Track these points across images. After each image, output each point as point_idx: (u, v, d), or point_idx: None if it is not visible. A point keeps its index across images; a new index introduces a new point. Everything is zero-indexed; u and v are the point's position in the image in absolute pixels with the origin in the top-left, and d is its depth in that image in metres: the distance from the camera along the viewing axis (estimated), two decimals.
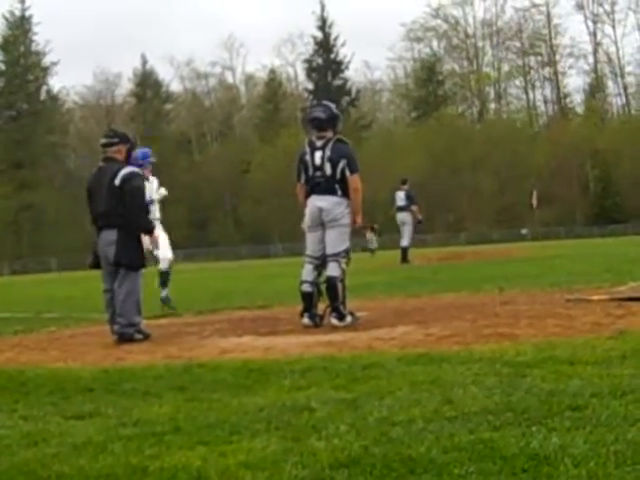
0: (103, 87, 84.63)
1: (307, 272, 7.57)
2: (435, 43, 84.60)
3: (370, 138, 76.13)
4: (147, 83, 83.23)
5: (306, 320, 7.41)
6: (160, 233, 10.69)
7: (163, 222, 11.31)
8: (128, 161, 7.56)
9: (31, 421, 4.00)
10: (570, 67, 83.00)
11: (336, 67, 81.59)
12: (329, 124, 7.61)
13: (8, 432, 3.77)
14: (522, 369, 4.40)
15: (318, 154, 7.53)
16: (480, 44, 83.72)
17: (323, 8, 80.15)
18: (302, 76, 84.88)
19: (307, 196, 7.64)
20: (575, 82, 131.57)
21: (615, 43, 79.84)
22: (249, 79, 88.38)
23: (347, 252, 7.53)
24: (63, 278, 34.69)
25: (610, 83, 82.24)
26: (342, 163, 7.48)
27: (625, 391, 3.67)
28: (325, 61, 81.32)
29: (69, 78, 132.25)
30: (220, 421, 3.68)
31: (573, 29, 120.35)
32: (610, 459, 2.72)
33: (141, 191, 7.52)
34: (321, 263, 7.54)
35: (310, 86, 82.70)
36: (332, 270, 7.41)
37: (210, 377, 4.92)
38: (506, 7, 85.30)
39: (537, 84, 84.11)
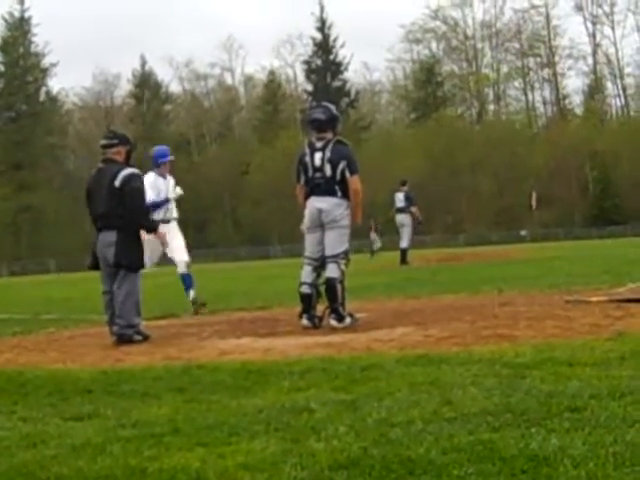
0: (102, 88, 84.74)
1: (306, 273, 7.57)
2: (434, 44, 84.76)
3: (369, 139, 76.14)
4: (146, 84, 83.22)
5: (305, 321, 7.41)
6: (176, 234, 10.51)
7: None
8: (128, 162, 7.56)
9: (30, 422, 4.00)
10: (569, 68, 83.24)
11: (335, 68, 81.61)
12: (329, 125, 7.60)
13: (7, 433, 3.77)
14: (521, 370, 4.40)
15: (318, 155, 7.53)
16: (479, 45, 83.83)
17: (322, 9, 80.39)
18: (301, 77, 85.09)
19: (307, 197, 7.63)
20: (574, 83, 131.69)
21: (614, 44, 79.95)
22: (248, 80, 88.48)
23: (346, 253, 7.53)
24: (62, 279, 34.65)
25: (609, 84, 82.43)
26: (342, 164, 7.47)
27: (624, 392, 3.66)
28: (324, 62, 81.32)
29: (68, 79, 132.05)
30: (219, 422, 3.67)
31: (572, 30, 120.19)
32: (609, 460, 2.73)
33: (141, 192, 7.53)
34: (320, 264, 7.53)
35: (309, 87, 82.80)
36: (331, 271, 7.40)
37: (209, 378, 4.91)
38: (505, 8, 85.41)
39: (536, 85, 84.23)
